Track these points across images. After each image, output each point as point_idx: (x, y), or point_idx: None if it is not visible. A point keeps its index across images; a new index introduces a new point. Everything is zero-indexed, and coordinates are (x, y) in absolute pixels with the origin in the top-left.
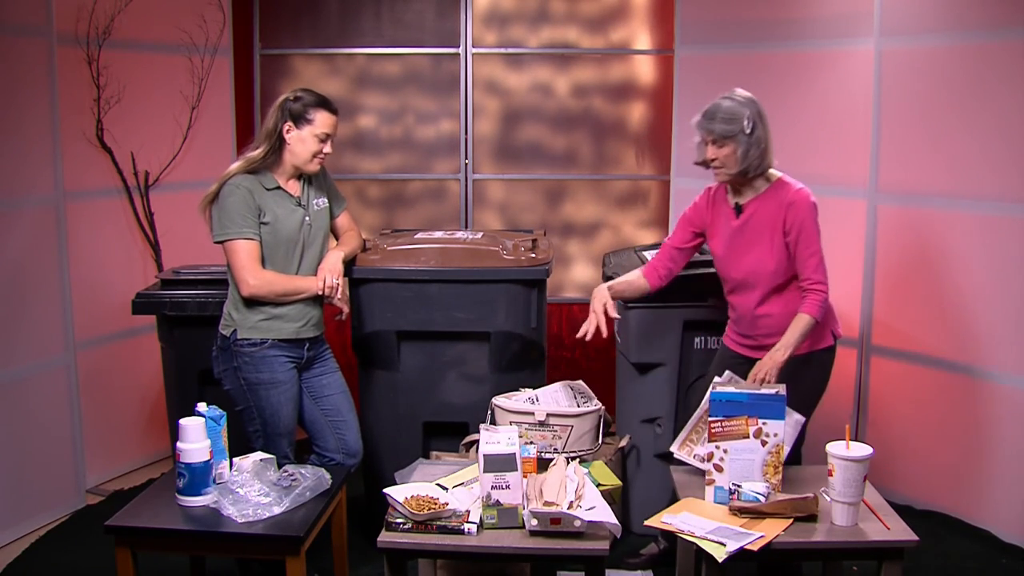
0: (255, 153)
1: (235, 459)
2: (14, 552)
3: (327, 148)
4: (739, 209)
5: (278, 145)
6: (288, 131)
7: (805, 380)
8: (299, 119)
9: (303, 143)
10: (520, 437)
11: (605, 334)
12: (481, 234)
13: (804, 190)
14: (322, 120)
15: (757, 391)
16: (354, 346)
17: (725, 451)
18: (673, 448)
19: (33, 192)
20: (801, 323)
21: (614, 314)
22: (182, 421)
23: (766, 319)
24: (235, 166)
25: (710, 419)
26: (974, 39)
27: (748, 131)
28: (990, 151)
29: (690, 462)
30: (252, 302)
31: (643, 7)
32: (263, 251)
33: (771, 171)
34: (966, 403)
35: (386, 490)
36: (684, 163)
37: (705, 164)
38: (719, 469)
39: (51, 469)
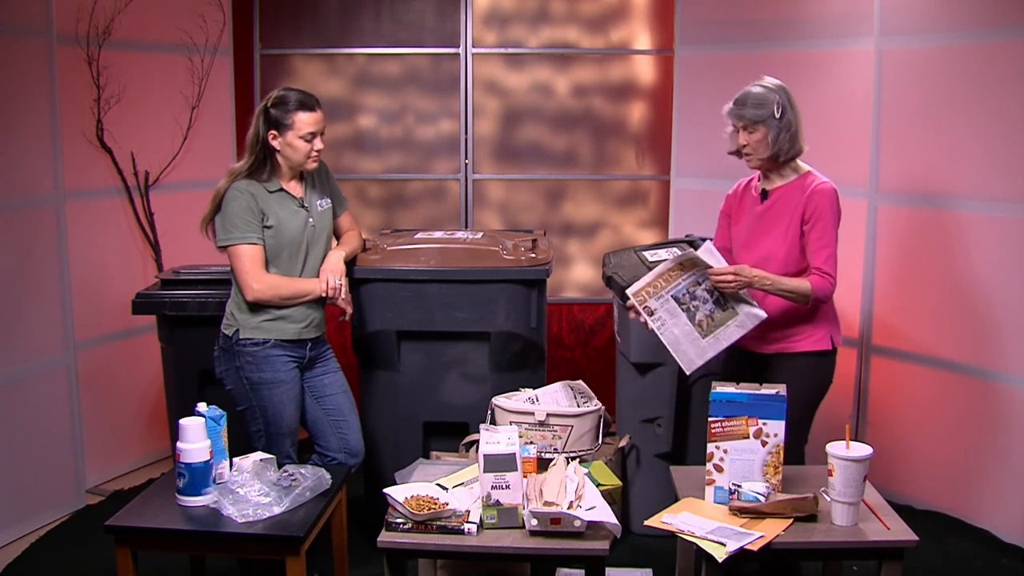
0: (239, 165)
1: (235, 459)
2: (14, 552)
3: (318, 144)
4: (764, 195)
5: (265, 153)
6: (274, 138)
7: (801, 380)
8: (280, 126)
9: (292, 147)
10: (520, 437)
11: None
12: (481, 234)
13: (829, 183)
14: (302, 121)
15: (757, 391)
16: (354, 346)
17: (725, 451)
18: (629, 291)
19: (33, 192)
20: (799, 282)
21: None
22: (182, 421)
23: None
24: (222, 182)
25: (710, 419)
26: (974, 39)
27: (778, 116)
28: (990, 151)
29: (639, 310)
30: (256, 303)
31: (643, 7)
32: (267, 254)
33: (800, 163)
34: (966, 403)
35: (386, 490)
36: (684, 163)
37: (738, 153)
38: (719, 469)
39: (51, 469)
